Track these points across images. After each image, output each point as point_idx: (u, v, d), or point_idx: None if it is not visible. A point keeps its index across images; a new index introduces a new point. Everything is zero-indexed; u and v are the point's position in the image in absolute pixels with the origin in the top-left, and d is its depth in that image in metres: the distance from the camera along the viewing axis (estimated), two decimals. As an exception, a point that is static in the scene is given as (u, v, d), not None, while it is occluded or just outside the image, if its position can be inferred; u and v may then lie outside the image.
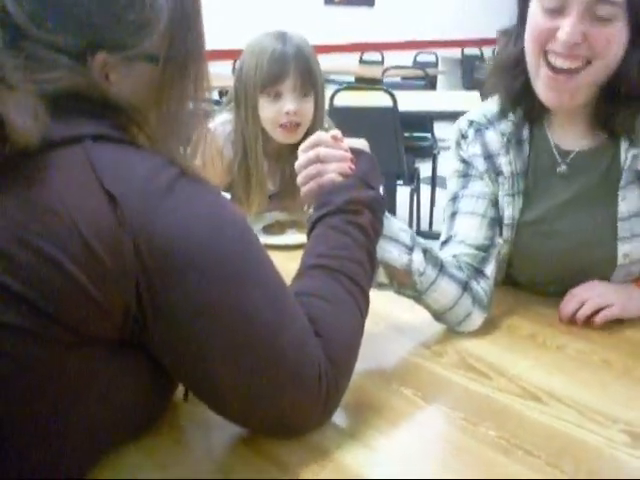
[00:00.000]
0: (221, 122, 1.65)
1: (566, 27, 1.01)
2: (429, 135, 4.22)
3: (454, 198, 1.20)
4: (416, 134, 4.21)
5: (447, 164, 1.26)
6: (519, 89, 1.14)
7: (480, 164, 1.20)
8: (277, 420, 0.77)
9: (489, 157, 1.19)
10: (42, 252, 0.61)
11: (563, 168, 1.16)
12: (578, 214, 1.16)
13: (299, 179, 0.96)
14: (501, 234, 1.18)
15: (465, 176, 1.21)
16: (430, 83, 5.49)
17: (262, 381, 0.72)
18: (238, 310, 0.70)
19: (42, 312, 0.61)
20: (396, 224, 1.01)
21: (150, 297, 0.66)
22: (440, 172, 4.36)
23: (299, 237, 1.52)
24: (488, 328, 1.10)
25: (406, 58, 6.88)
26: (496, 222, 1.18)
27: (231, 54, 5.71)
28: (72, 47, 0.70)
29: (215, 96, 4.31)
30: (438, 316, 1.08)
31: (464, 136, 1.22)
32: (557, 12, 1.02)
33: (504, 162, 1.18)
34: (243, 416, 0.76)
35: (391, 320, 1.13)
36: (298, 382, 0.74)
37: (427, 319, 1.10)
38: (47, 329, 0.62)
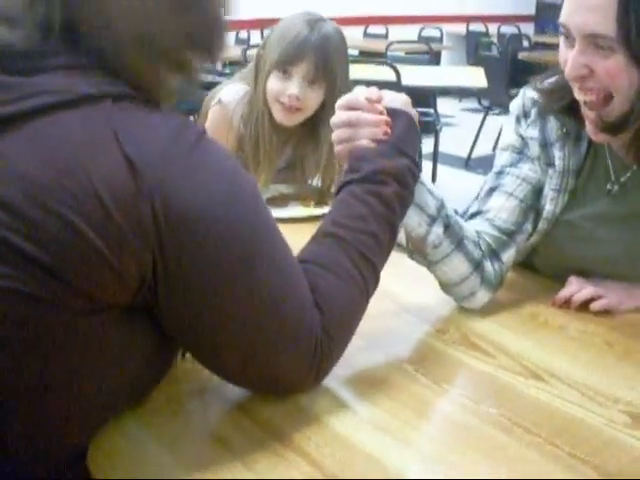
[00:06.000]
0: (233, 92, 1.64)
1: (569, 60, 0.97)
2: (432, 110, 4.19)
3: (500, 172, 1.16)
4: (419, 109, 4.17)
5: (504, 133, 1.21)
6: (564, 107, 1.10)
7: (534, 149, 1.15)
8: (269, 381, 0.80)
9: (545, 145, 1.14)
10: (61, 217, 0.61)
11: (615, 188, 1.12)
12: (617, 230, 1.12)
13: (333, 137, 0.93)
14: (536, 224, 1.15)
15: (519, 153, 1.16)
16: (434, 58, 5.45)
17: (260, 345, 0.74)
18: (246, 277, 0.71)
19: (57, 278, 0.61)
20: (427, 190, 0.98)
21: (163, 260, 0.66)
22: (442, 148, 4.34)
23: (302, 210, 1.51)
24: (491, 307, 1.09)
25: (411, 32, 6.80)
26: (532, 210, 1.14)
27: (234, 24, 5.66)
28: None
29: (218, 67, 4.27)
30: (444, 287, 1.08)
31: (526, 114, 1.17)
32: (569, 40, 0.98)
33: (558, 156, 1.13)
34: (238, 374, 0.79)
35: (395, 298, 1.13)
36: (293, 349, 0.76)
37: (431, 297, 1.10)
38: (61, 296, 0.62)
